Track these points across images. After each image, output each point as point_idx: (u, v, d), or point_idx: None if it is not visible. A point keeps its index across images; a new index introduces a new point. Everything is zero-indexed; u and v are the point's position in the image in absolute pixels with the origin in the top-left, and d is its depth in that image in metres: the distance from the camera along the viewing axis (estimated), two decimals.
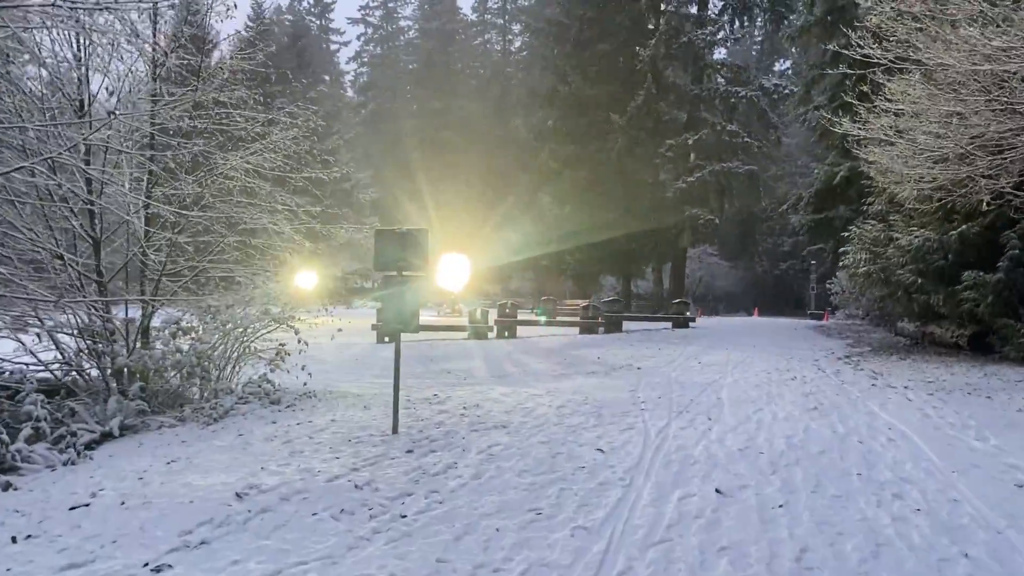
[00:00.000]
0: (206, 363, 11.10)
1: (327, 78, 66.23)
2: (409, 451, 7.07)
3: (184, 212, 10.56)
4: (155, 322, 11.14)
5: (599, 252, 35.05)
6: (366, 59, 77.90)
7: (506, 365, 15.93)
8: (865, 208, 16.98)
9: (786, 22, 32.21)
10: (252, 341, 12.24)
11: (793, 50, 56.81)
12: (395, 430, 7.95)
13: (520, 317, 27.76)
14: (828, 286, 33.38)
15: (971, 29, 8.49)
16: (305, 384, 11.91)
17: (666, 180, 33.26)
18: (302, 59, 46.94)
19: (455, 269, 32.35)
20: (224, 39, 20.89)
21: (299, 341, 12.12)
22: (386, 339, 20.80)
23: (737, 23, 35.13)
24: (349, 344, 20.05)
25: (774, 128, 34.38)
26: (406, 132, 51.44)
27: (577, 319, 23.54)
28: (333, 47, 76.42)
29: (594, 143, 33.67)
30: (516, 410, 9.41)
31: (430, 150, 48.81)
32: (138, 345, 10.50)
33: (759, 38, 54.48)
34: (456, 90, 56.55)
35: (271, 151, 12.48)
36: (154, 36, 10.88)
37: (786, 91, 32.47)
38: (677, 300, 25.58)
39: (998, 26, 8.46)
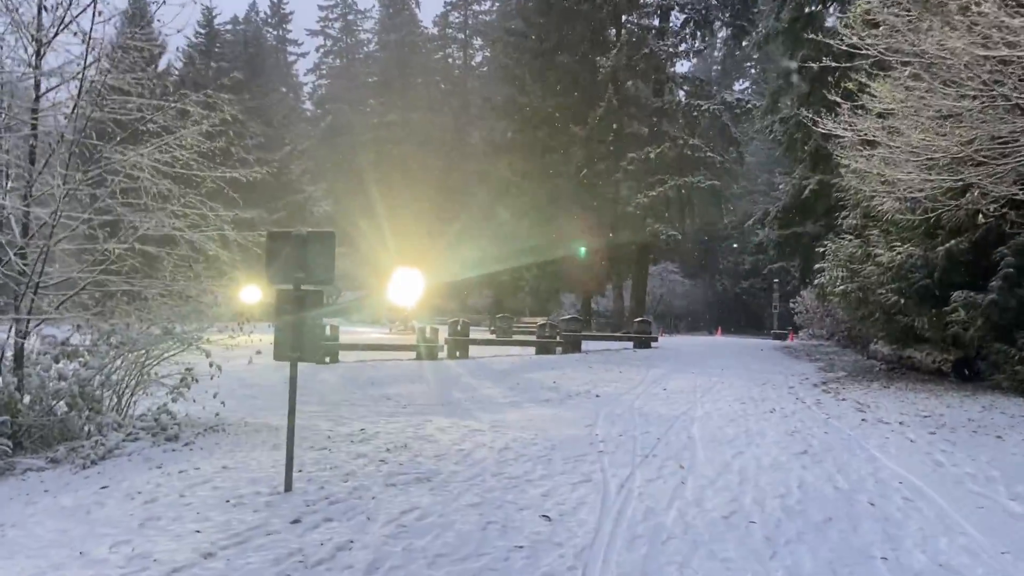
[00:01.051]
0: (95, 391, 9.32)
1: (284, 89, 64.18)
2: (296, 520, 5.34)
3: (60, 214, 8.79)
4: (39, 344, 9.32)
5: (558, 269, 33.61)
6: (324, 71, 75.90)
7: (453, 390, 14.24)
8: (840, 223, 15.71)
9: (748, 38, 31.30)
10: (153, 365, 10.47)
11: (754, 69, 56.48)
12: (288, 487, 6.20)
13: (476, 335, 26.11)
14: (792, 305, 32.32)
15: (987, 4, 7.12)
16: (217, 415, 10.16)
17: (627, 195, 31.96)
18: (254, 67, 44.94)
19: (408, 284, 30.69)
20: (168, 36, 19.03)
21: (211, 365, 10.36)
22: (327, 360, 18.94)
23: (699, 36, 34.10)
24: (283, 366, 18.14)
25: (736, 143, 33.36)
26: (363, 145, 49.62)
27: (534, 338, 21.96)
28: (291, 58, 74.34)
29: (554, 156, 32.29)
30: (450, 453, 7.72)
31: (387, 164, 47.06)
32: (4, 370, 8.65)
33: (719, 56, 53.90)
34: (415, 104, 54.94)
35: (181, 147, 10.67)
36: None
37: (748, 105, 31.48)
38: (639, 319, 24.15)
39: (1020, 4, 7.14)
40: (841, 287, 14.05)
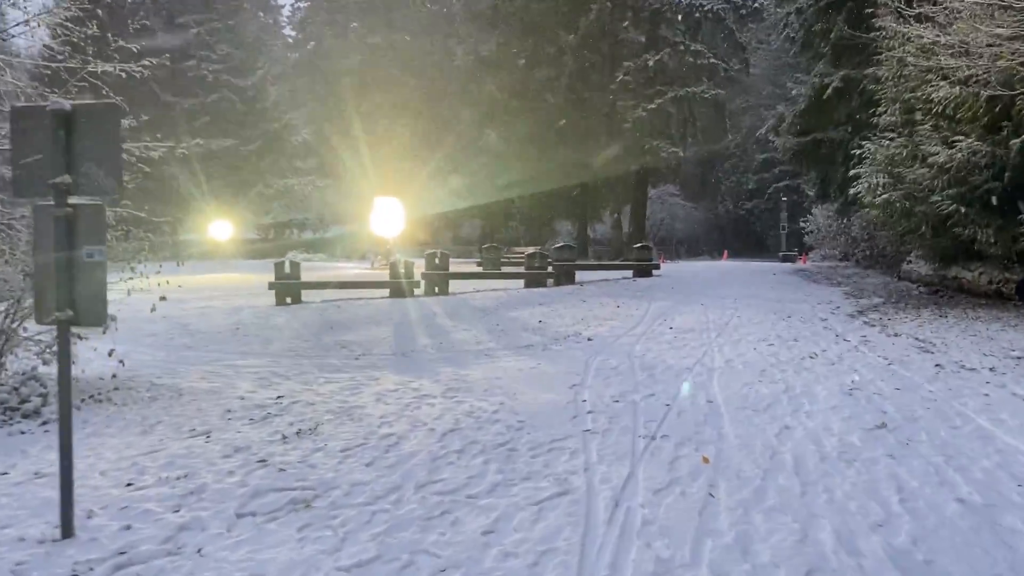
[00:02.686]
0: None
1: (261, 14, 60.03)
2: None
3: None
4: None
5: (552, 194, 30.88)
6: None
7: (420, 335, 11.83)
8: (875, 120, 12.97)
9: None
10: (27, 316, 8.07)
11: None
12: (66, 531, 3.75)
13: (466, 268, 23.61)
14: (802, 225, 29.70)
15: None
16: (114, 376, 8.15)
17: (624, 110, 28.92)
18: None
19: (390, 215, 27.99)
20: None
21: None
22: (288, 300, 16.51)
23: None
24: (242, 308, 15.82)
25: (742, 49, 30.11)
26: (345, 71, 46.09)
27: (522, 270, 19.44)
28: None
29: (543, 69, 29.15)
30: (369, 443, 5.28)
31: (370, 89, 43.66)
32: None
33: None
34: (400, 25, 51.09)
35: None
36: None
37: (755, 5, 28.13)
38: (639, 244, 21.57)
39: None
40: (883, 196, 11.44)
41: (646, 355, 8.64)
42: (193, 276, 27.25)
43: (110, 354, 8.24)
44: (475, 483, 4.33)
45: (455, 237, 41.23)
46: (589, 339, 10.11)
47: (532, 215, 33.74)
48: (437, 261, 17.85)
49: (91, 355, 7.77)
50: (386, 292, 17.45)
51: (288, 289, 16.54)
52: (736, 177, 47.17)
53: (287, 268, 16.74)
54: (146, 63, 8.18)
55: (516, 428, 5.55)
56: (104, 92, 8.21)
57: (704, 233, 48.79)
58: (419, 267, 18.08)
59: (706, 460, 4.61)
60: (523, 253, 24.04)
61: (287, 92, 42.17)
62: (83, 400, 7.39)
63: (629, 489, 4.18)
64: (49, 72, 8.27)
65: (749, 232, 46.93)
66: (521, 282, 18.82)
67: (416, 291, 17.50)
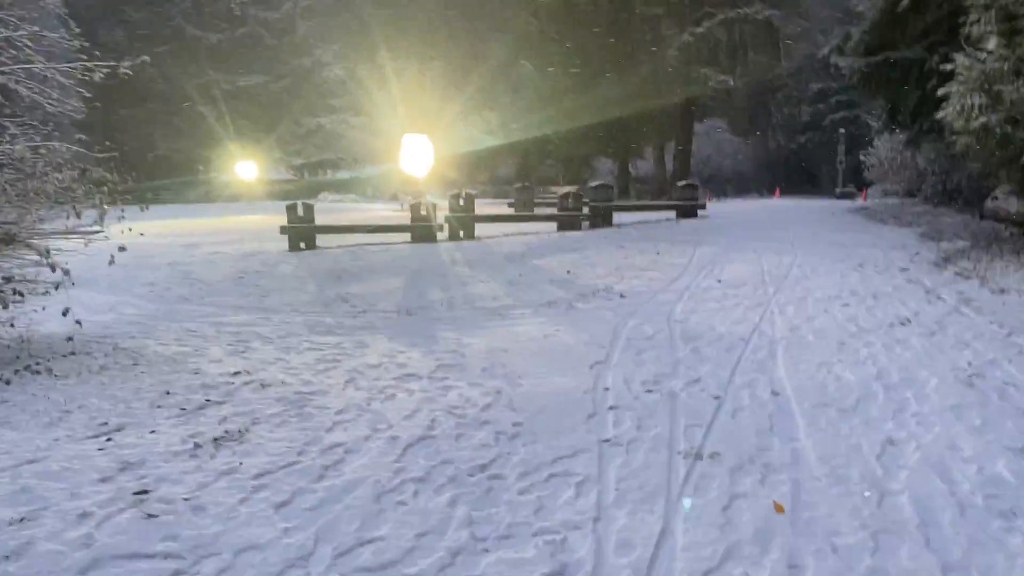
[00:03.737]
0: None
1: None
2: None
3: None
4: None
5: (590, 130, 28.69)
6: None
7: (432, 288, 10.36)
8: (964, 31, 10.74)
9: None
10: None
11: None
12: None
13: (495, 210, 21.95)
14: (862, 158, 27.13)
15: None
16: (70, 339, 7.15)
17: (670, 36, 26.38)
18: None
19: (418, 152, 26.37)
20: None
21: (53, 269, 6.83)
22: (301, 245, 15.15)
23: None
24: (253, 254, 14.55)
25: None
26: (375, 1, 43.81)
27: (556, 212, 17.68)
28: None
29: None
30: (300, 462, 3.79)
31: (402, 20, 41.43)
32: None
33: None
34: None
35: None
36: None
37: None
38: (683, 182, 19.55)
39: None
40: (979, 120, 9.38)
41: (689, 318, 6.97)
42: (215, 219, 26.23)
43: (64, 313, 7.03)
44: (424, 549, 2.82)
45: (492, 177, 39.33)
46: (622, 295, 8.44)
47: (569, 152, 31.63)
48: (461, 202, 16.20)
49: (53, 313, 6.58)
50: (408, 237, 15.95)
51: (301, 234, 15.15)
52: (788, 109, 44.00)
53: (300, 211, 15.31)
54: None
55: (509, 436, 4.01)
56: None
57: (753, 170, 45.92)
58: (443, 209, 16.50)
59: (780, 509, 3.02)
60: (558, 193, 22.24)
61: (317, 27, 40.16)
62: (16, 371, 6.16)
63: (661, 567, 2.62)
64: None
65: (801, 168, 43.97)
66: (554, 225, 17.11)
67: (440, 235, 15.94)
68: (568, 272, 10.66)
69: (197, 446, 3.99)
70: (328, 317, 8.74)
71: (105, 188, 7.94)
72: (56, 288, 7.04)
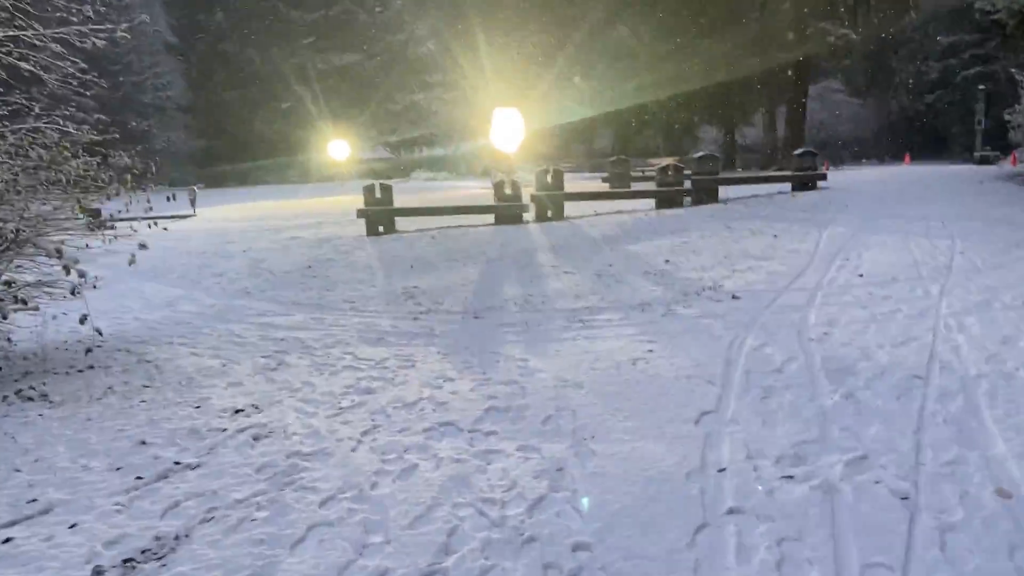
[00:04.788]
0: None
1: None
2: None
3: None
4: None
5: (693, 96, 26.29)
6: None
7: (508, 281, 8.93)
8: None
9: None
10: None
11: None
12: None
13: (590, 186, 20.25)
14: (1007, 117, 23.55)
15: None
16: (89, 351, 6.43)
17: None
18: None
19: (508, 126, 24.86)
20: None
21: (67, 271, 5.78)
22: (379, 229, 14.02)
23: None
24: (329, 239, 13.64)
25: None
26: None
27: (655, 187, 15.76)
28: None
29: None
30: None
31: None
32: None
33: None
34: None
35: None
36: None
37: None
38: (800, 150, 17.14)
39: None
40: None
41: (830, 335, 5.15)
42: (304, 199, 25.68)
43: (82, 321, 6.07)
44: None
45: (587, 150, 37.35)
46: (734, 296, 6.65)
47: (670, 121, 29.31)
48: (549, 179, 14.56)
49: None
50: (491, 218, 14.50)
51: (379, 217, 13.99)
52: (914, 66, 39.58)
53: (378, 193, 14.13)
54: None
55: (565, 574, 2.46)
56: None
57: (872, 134, 41.76)
58: (530, 186, 14.94)
59: None
60: (656, 166, 20.20)
61: (410, 2, 39.07)
62: (5, 397, 5.20)
63: None
64: None
65: (929, 131, 39.56)
66: (652, 202, 15.24)
67: (526, 216, 14.41)
68: (666, 261, 8.91)
69: (98, 574, 2.64)
70: (386, 318, 7.49)
71: (127, 176, 6.85)
72: (74, 292, 6.02)
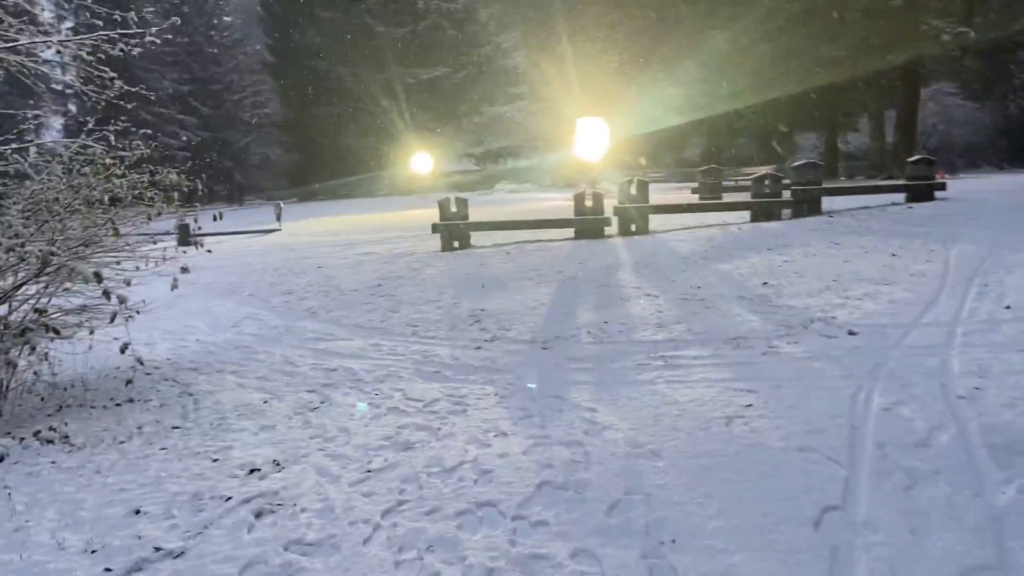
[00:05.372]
0: None
1: None
2: None
3: None
4: None
5: (790, 101, 24.62)
6: None
7: (584, 304, 8.09)
8: None
9: None
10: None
11: None
12: None
13: (679, 197, 19.08)
14: None
15: None
16: (129, 383, 5.99)
17: None
18: None
19: (593, 136, 24.00)
20: None
21: (108, 297, 5.30)
22: (455, 244, 13.40)
23: None
24: (403, 255, 13.17)
25: None
26: None
27: (750, 199, 14.48)
28: None
29: None
30: None
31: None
32: None
33: None
34: None
35: None
36: None
37: None
38: (915, 158, 15.43)
39: None
40: None
41: (984, 391, 4.00)
42: (386, 213, 25.47)
43: (123, 350, 5.61)
44: None
45: (676, 159, 35.90)
46: (851, 331, 5.51)
47: (765, 128, 27.62)
48: (634, 190, 13.55)
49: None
50: (571, 232, 13.62)
51: (453, 232, 13.36)
52: None
53: (453, 206, 13.53)
54: None
55: None
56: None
57: (988, 140, 38.39)
58: (613, 198, 13.98)
59: None
60: (752, 175, 18.84)
61: (497, 14, 38.75)
62: (22, 440, 4.78)
63: None
64: None
65: None
66: (746, 214, 13.98)
67: (608, 230, 13.45)
68: (765, 284, 7.79)
69: None
70: (446, 347, 6.77)
71: (175, 193, 6.35)
72: (113, 319, 5.55)
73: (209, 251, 7.03)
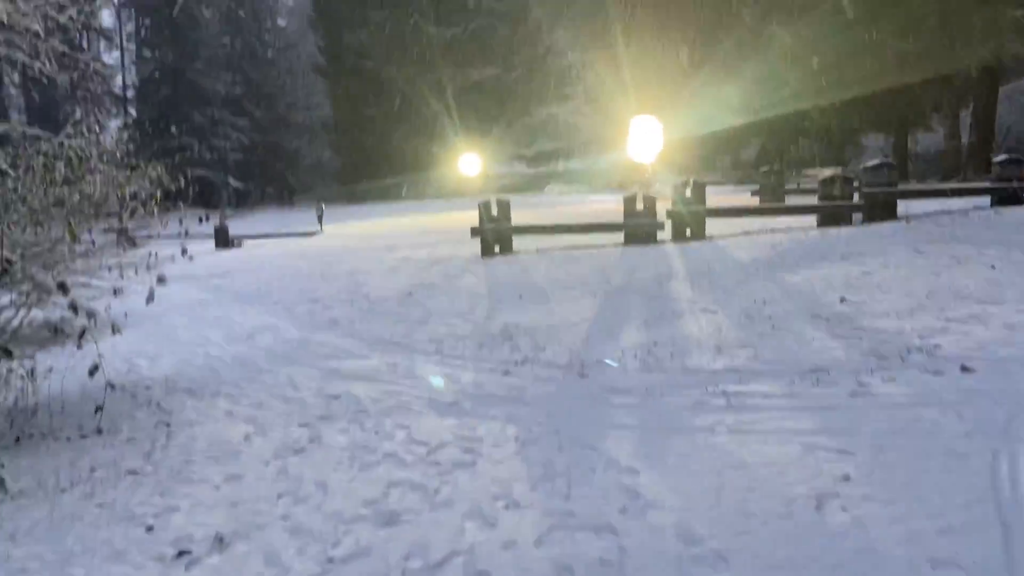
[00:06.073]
0: None
1: None
2: None
3: None
4: None
5: (856, 100, 22.95)
6: None
7: (631, 320, 7.11)
8: None
9: None
10: None
11: None
12: None
13: (736, 200, 17.81)
14: None
15: None
16: (100, 410, 5.13)
17: None
18: None
19: (647, 136, 22.78)
20: None
21: (75, 311, 4.34)
22: (495, 249, 12.49)
23: None
24: (440, 260, 12.35)
25: None
26: None
27: (815, 202, 13.15)
28: None
29: None
30: None
31: None
32: None
33: None
34: None
35: None
36: None
37: None
38: (1003, 157, 13.83)
39: None
40: None
41: None
42: (431, 215, 24.67)
43: (91, 373, 4.84)
44: None
45: (734, 161, 34.28)
46: (965, 367, 4.34)
47: (829, 128, 25.86)
48: (689, 192, 12.39)
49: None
50: (621, 237, 12.54)
51: (494, 236, 12.45)
52: None
53: (494, 209, 12.61)
54: None
55: None
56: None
57: None
58: (666, 200, 12.84)
59: None
60: (817, 177, 17.36)
61: (550, 12, 37.73)
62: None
63: None
64: None
65: None
66: (813, 219, 12.67)
67: (660, 234, 12.33)
68: (842, 300, 6.61)
69: None
70: (471, 370, 5.87)
71: (157, 192, 5.55)
72: (81, 337, 4.80)
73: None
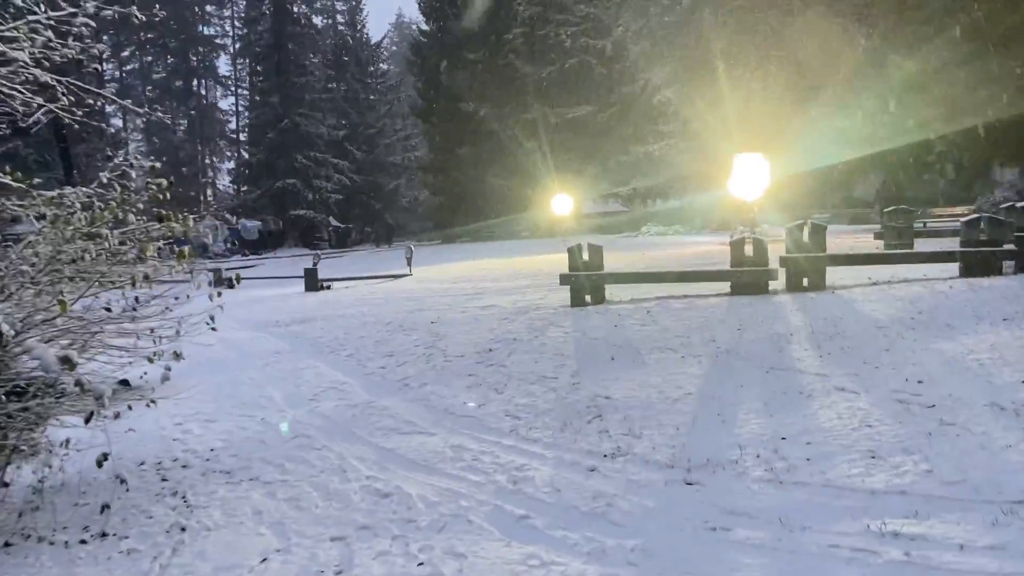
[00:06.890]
0: None
1: None
2: None
3: None
4: None
5: (987, 131, 20.62)
6: None
7: (744, 402, 5.84)
8: None
9: None
10: None
11: None
12: None
13: (855, 243, 16.07)
14: None
15: None
16: (107, 508, 4.45)
17: None
18: None
19: (752, 173, 21.14)
20: None
21: (81, 388, 3.49)
22: (586, 299, 11.38)
23: None
24: (526, 310, 11.40)
25: None
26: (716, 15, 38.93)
27: (956, 247, 11.32)
28: None
29: None
30: None
31: (743, 30, 36.03)
32: None
33: None
34: None
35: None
36: None
37: None
38: None
39: None
40: None
41: None
42: (524, 257, 23.77)
43: (100, 464, 4.08)
44: None
45: (847, 198, 31.84)
46: None
47: (960, 160, 23.43)
48: (806, 236, 10.89)
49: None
50: (727, 286, 11.13)
51: (585, 284, 11.32)
52: None
53: (585, 254, 11.51)
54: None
55: None
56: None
57: None
58: (777, 243, 11.38)
59: None
60: (948, 217, 15.30)
61: (647, 49, 36.72)
62: None
63: None
64: None
65: None
66: (953, 266, 10.88)
67: (772, 284, 10.85)
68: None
69: None
70: (549, 462, 4.87)
71: (173, 242, 4.79)
72: (88, 421, 4.05)
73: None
